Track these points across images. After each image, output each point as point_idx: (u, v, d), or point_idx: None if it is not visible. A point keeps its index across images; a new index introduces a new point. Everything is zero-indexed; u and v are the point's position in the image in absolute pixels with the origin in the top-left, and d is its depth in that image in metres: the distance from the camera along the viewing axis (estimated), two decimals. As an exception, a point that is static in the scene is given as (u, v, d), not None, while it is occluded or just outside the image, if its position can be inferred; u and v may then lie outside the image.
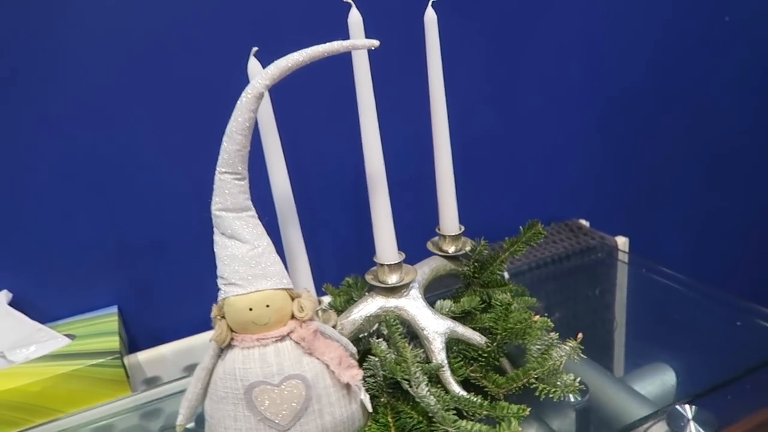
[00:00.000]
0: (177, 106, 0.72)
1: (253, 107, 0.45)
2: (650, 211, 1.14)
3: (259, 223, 0.48)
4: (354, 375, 0.49)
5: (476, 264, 0.66)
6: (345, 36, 0.51)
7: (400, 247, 0.59)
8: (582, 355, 0.53)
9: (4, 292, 0.68)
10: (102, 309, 0.74)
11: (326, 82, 0.76)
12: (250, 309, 0.46)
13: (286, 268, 0.54)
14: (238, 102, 0.45)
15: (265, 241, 0.48)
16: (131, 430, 0.65)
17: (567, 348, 0.53)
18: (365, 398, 0.51)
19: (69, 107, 0.68)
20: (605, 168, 1.07)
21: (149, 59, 0.70)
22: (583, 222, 1.00)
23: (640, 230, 1.07)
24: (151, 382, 0.74)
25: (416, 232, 0.68)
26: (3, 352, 0.65)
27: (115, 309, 0.74)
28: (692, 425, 0.50)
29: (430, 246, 0.68)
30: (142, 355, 0.74)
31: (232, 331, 0.48)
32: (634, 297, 0.84)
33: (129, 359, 0.73)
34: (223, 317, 0.48)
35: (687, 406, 0.52)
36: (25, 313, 0.68)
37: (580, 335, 0.53)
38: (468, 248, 0.66)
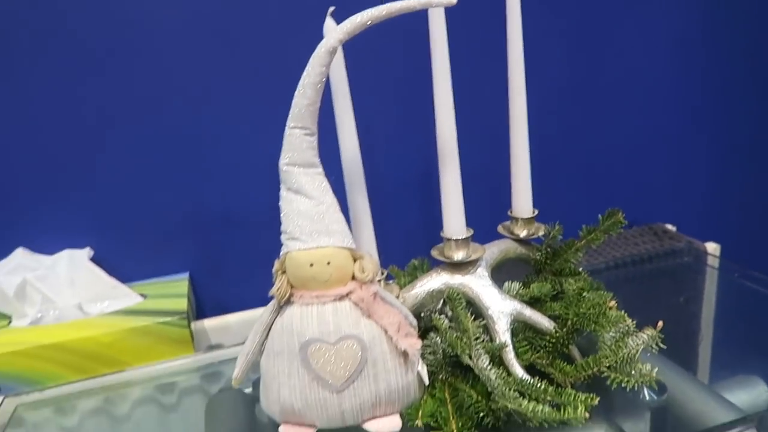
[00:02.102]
0: (253, 77, 0.74)
1: (325, 62, 0.45)
2: (744, 219, 1.05)
3: (326, 180, 0.48)
4: (412, 344, 0.48)
5: (549, 250, 0.62)
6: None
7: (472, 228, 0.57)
8: (662, 345, 0.48)
9: (87, 249, 0.71)
10: (174, 274, 0.76)
11: (403, 50, 0.75)
12: (311, 265, 0.46)
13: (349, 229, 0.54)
14: (312, 56, 0.45)
15: (330, 198, 0.47)
16: (192, 390, 0.66)
17: (645, 336, 0.49)
18: (422, 370, 0.49)
19: (147, 78, 0.71)
20: (696, 170, 0.99)
21: (226, 28, 0.72)
22: (670, 227, 0.93)
23: (732, 238, 0.98)
24: (215, 349, 0.76)
25: (487, 218, 0.65)
26: (81, 304, 0.68)
27: (186, 275, 0.76)
28: (787, 432, 0.44)
29: (500, 229, 0.65)
30: (209, 322, 0.76)
31: (292, 287, 0.48)
32: (724, 305, 0.77)
33: (195, 325, 0.74)
34: (284, 272, 0.47)
35: (781, 413, 0.46)
36: (104, 270, 0.71)
37: (660, 323, 0.49)
38: (541, 233, 0.63)
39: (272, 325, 0.49)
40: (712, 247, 0.87)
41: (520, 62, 0.59)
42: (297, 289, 0.47)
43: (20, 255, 0.68)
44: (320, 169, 0.47)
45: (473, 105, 0.80)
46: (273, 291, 0.47)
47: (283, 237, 0.47)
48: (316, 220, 0.46)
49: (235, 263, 0.79)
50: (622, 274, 0.82)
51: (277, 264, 0.48)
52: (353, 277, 0.47)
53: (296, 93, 0.46)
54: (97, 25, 0.68)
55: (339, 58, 0.51)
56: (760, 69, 0.98)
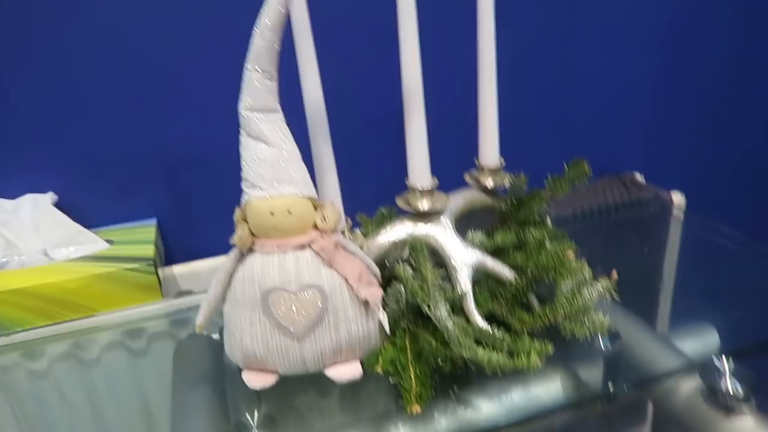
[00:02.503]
0: (221, 14, 0.71)
1: (283, 1, 0.43)
2: (712, 170, 1.06)
3: (287, 127, 0.47)
4: (373, 293, 0.48)
5: (514, 200, 0.63)
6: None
7: (439, 180, 0.57)
8: (615, 296, 0.50)
9: (50, 194, 0.70)
10: (141, 220, 0.76)
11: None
12: (272, 213, 0.46)
13: (314, 181, 0.54)
14: (271, -4, 0.43)
15: (291, 146, 0.47)
16: (160, 336, 0.67)
17: (599, 287, 0.50)
18: (383, 318, 0.50)
19: (116, 15, 0.68)
20: (666, 120, 1.00)
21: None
22: (638, 176, 0.94)
23: (699, 188, 1.00)
24: (184, 295, 0.76)
25: (456, 167, 0.65)
26: (46, 249, 0.68)
27: (153, 221, 0.75)
28: (728, 379, 0.46)
29: (467, 178, 0.65)
30: (177, 269, 0.76)
31: (253, 235, 0.47)
32: (686, 256, 0.78)
33: (164, 271, 0.74)
34: (246, 221, 0.47)
35: (724, 360, 0.48)
36: (69, 216, 0.70)
37: (614, 274, 0.50)
38: (507, 183, 0.63)
39: (234, 273, 0.49)
40: (678, 198, 0.88)
41: (490, 8, 0.57)
42: (258, 237, 0.47)
43: (-19, 199, 0.67)
44: (281, 115, 0.46)
45: (443, 50, 0.79)
46: (234, 240, 0.47)
47: (243, 184, 0.47)
48: (277, 168, 0.46)
49: (204, 208, 0.78)
50: (589, 224, 0.83)
51: (238, 212, 0.48)
52: (315, 226, 0.48)
53: (254, 34, 0.44)
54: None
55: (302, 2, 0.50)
56: (731, 23, 0.97)
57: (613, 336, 0.56)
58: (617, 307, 0.61)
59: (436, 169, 0.60)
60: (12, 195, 0.70)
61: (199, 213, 0.79)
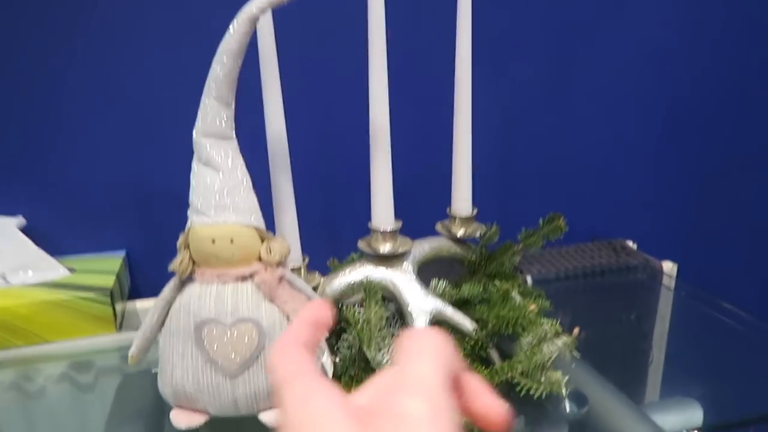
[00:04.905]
0: (198, 46, 0.72)
1: (245, 29, 0.43)
2: (705, 241, 1.02)
3: (240, 156, 0.46)
4: (316, 333, 0.45)
5: (484, 251, 0.61)
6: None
7: (410, 228, 0.55)
8: (575, 353, 0.46)
9: (19, 217, 0.69)
10: (110, 251, 0.74)
11: (342, 28, 0.73)
12: (213, 241, 0.44)
13: (272, 218, 0.52)
14: (232, 22, 0.43)
15: (241, 174, 0.45)
16: (109, 370, 0.64)
17: (559, 343, 0.47)
18: (327, 361, 0.47)
19: (96, 46, 0.69)
20: (660, 188, 0.98)
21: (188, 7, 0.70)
22: (630, 243, 0.91)
23: (692, 259, 0.96)
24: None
25: (429, 216, 0.63)
26: (4, 273, 0.66)
27: (122, 253, 0.74)
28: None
29: (438, 227, 0.63)
30: (141, 303, 0.73)
31: (194, 263, 0.46)
32: (675, 325, 0.74)
33: (127, 305, 0.72)
34: (188, 247, 0.45)
35: (695, 433, 0.44)
36: (36, 242, 0.69)
37: (576, 330, 0.47)
38: (479, 234, 0.61)
39: (172, 302, 0.47)
40: (669, 266, 0.85)
41: (468, 55, 0.57)
42: (199, 266, 0.45)
43: (-54, 218, 0.66)
44: (234, 143, 0.46)
45: (419, 94, 0.79)
46: (173, 265, 0.45)
47: (189, 210, 0.45)
48: (223, 195, 0.44)
49: (174, 244, 0.77)
50: (573, 286, 0.80)
51: (181, 238, 0.46)
52: (260, 259, 0.45)
53: (214, 60, 0.44)
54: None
55: (268, 26, 0.49)
56: (728, 92, 0.96)
57: (580, 400, 0.52)
58: (590, 372, 0.57)
59: (408, 218, 0.58)
60: (-20, 216, 0.69)
61: (170, 249, 0.76)
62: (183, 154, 0.73)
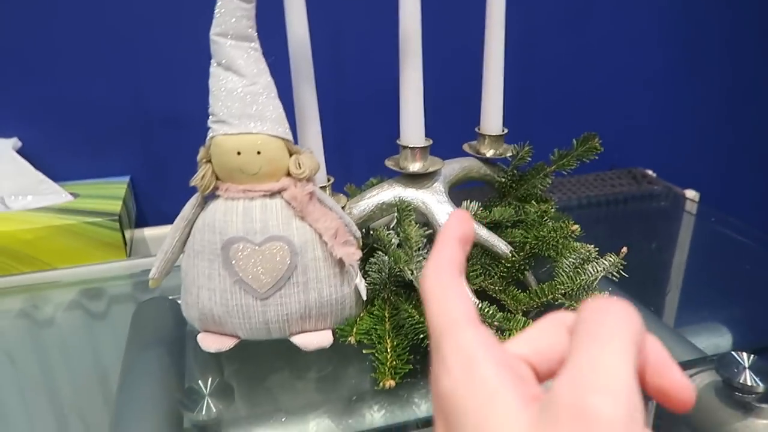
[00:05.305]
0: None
1: None
2: (726, 169, 1.00)
3: (263, 59, 0.41)
4: (350, 253, 0.43)
5: (515, 173, 0.57)
6: None
7: (434, 149, 0.52)
8: (623, 273, 0.44)
9: (14, 139, 0.65)
10: (114, 176, 0.70)
11: None
12: (239, 153, 0.40)
13: (294, 132, 0.48)
14: None
15: (266, 80, 0.41)
16: (122, 297, 0.61)
17: (605, 263, 0.44)
18: (360, 283, 0.44)
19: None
20: (681, 117, 0.94)
21: None
22: (650, 172, 0.88)
23: (711, 188, 0.94)
24: (154, 259, 0.71)
25: (456, 140, 0.60)
26: (2, 197, 0.62)
27: (126, 179, 0.70)
28: (748, 373, 0.41)
29: (466, 148, 0.60)
30: (148, 231, 0.70)
31: (218, 179, 0.42)
32: (698, 251, 0.73)
33: (134, 233, 0.69)
34: (209, 161, 0.42)
35: (744, 354, 0.43)
36: (34, 166, 0.65)
37: (624, 249, 0.45)
38: (509, 154, 0.58)
39: (195, 221, 0.43)
40: (691, 195, 0.82)
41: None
42: (223, 181, 0.42)
43: (-63, 138, 0.62)
44: (256, 45, 0.41)
45: (449, 3, 0.74)
46: (194, 180, 0.42)
47: (209, 120, 0.42)
48: (248, 102, 0.40)
49: (180, 171, 0.72)
50: (595, 214, 0.78)
51: (202, 151, 0.42)
52: (288, 174, 0.42)
53: (233, -50, 0.39)
54: None
55: None
56: (751, 16, 0.91)
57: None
58: (626, 296, 0.55)
59: (434, 138, 0.55)
60: (-27, 138, 0.64)
61: (175, 175, 0.73)
62: (185, 77, 0.69)
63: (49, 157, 0.67)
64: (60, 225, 0.59)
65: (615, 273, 0.44)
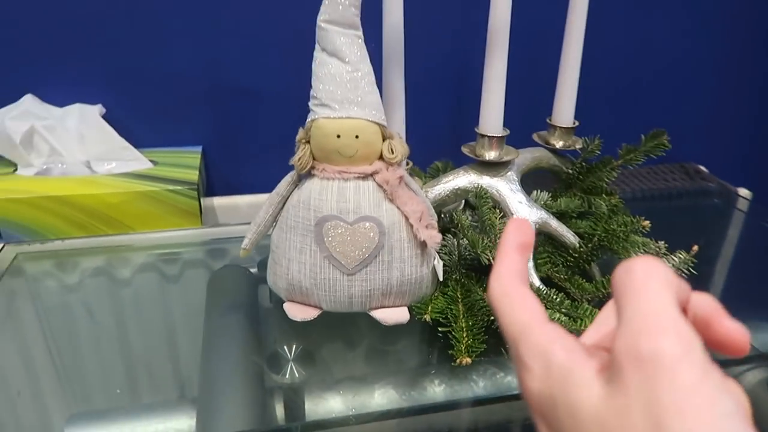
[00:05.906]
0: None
1: None
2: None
3: (364, 46, 0.43)
4: (433, 235, 0.45)
5: (584, 164, 0.59)
6: None
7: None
8: (693, 271, 0.46)
9: (99, 105, 0.68)
10: (187, 146, 0.73)
11: None
12: (338, 136, 0.43)
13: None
14: None
15: (368, 67, 0.43)
16: (194, 263, 0.65)
17: (675, 259, 0.46)
18: (438, 265, 0.47)
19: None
20: (737, 113, 0.94)
21: None
22: (703, 168, 0.89)
23: (765, 188, 0.94)
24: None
25: (524, 125, 0.61)
26: (89, 161, 0.66)
27: (199, 148, 0.73)
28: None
29: (536, 138, 0.61)
30: (218, 201, 0.74)
31: (314, 159, 0.45)
32: (748, 249, 0.74)
33: (204, 201, 0.72)
34: (308, 142, 0.44)
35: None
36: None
37: (695, 247, 0.46)
38: (578, 146, 0.59)
39: (289, 197, 0.46)
40: (744, 193, 0.83)
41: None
42: (319, 162, 0.44)
43: (29, 101, 0.65)
44: (360, 33, 0.43)
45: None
46: (293, 160, 0.44)
47: (311, 102, 0.44)
48: (350, 88, 0.42)
49: (251, 143, 0.75)
50: (647, 207, 0.79)
51: (301, 132, 0.45)
52: (380, 157, 0.44)
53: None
54: None
55: None
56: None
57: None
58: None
59: (505, 123, 0.56)
60: (60, 103, 0.68)
61: (245, 147, 0.76)
62: (259, 48, 0.71)
63: (129, 124, 0.70)
64: (143, 191, 0.62)
65: (685, 270, 0.46)
